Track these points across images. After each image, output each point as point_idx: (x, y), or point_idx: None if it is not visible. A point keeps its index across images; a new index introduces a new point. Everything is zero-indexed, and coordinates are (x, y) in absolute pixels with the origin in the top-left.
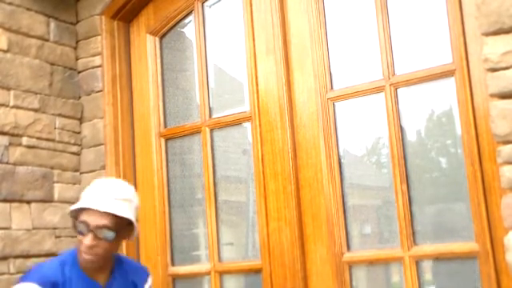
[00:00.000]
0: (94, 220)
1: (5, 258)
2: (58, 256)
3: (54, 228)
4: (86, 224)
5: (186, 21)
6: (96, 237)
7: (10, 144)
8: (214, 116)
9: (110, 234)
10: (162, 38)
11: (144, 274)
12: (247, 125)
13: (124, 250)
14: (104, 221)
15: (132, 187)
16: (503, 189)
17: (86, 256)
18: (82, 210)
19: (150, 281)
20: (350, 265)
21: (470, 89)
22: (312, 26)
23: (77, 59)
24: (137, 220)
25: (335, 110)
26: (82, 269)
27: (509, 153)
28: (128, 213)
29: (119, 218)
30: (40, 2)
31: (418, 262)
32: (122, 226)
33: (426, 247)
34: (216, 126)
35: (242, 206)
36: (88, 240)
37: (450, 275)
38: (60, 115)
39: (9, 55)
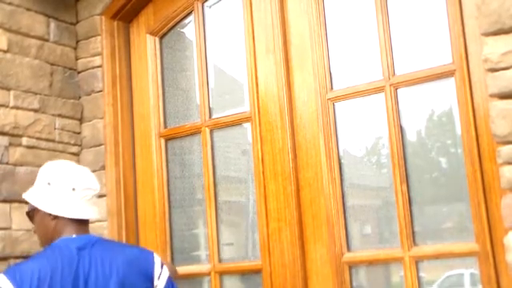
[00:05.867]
0: None
1: (5, 259)
2: None
3: None
4: None
5: (186, 21)
6: None
7: (10, 144)
8: (213, 116)
9: None
10: (161, 38)
11: None
12: (247, 125)
13: None
14: None
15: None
16: (503, 189)
17: None
18: None
19: None
20: (350, 265)
21: (470, 89)
22: (312, 27)
23: (77, 59)
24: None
25: (335, 111)
26: None
27: (509, 153)
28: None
29: None
30: (40, 2)
31: (417, 262)
32: None
33: (426, 247)
34: (216, 127)
35: (242, 207)
36: None
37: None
38: (60, 115)
39: (9, 55)
